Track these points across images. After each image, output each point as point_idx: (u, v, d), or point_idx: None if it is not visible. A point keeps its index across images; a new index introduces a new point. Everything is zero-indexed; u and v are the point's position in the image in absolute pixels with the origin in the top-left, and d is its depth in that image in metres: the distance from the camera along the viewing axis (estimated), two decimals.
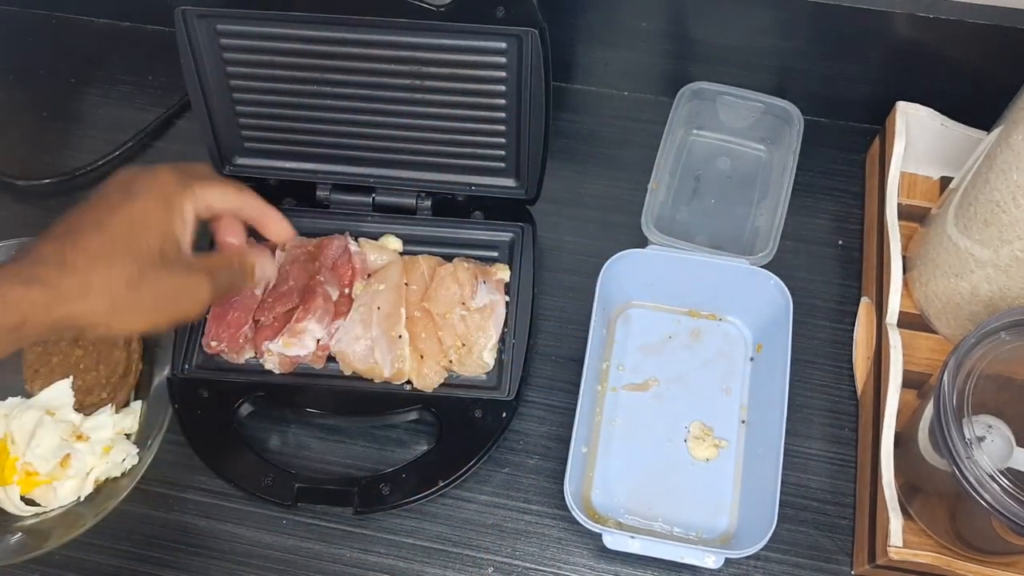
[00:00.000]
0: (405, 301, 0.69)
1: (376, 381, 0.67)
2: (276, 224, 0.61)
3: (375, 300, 0.69)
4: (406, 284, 0.70)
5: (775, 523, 0.59)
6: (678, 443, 0.68)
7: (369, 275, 0.71)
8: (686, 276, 0.70)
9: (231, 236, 0.60)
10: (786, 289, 0.67)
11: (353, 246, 0.71)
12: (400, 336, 0.68)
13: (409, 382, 0.68)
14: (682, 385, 0.70)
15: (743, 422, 0.68)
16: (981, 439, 0.54)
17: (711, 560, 0.62)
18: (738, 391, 0.69)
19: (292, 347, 0.67)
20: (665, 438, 0.68)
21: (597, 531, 0.62)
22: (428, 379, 0.67)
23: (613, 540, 0.62)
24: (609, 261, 0.69)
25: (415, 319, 0.68)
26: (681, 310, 0.73)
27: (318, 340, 0.68)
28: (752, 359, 0.71)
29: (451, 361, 0.67)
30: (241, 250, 0.60)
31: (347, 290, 0.70)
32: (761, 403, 0.68)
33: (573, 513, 0.61)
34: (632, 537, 0.62)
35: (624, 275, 0.70)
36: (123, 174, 0.55)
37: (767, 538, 0.59)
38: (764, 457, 0.64)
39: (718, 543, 0.64)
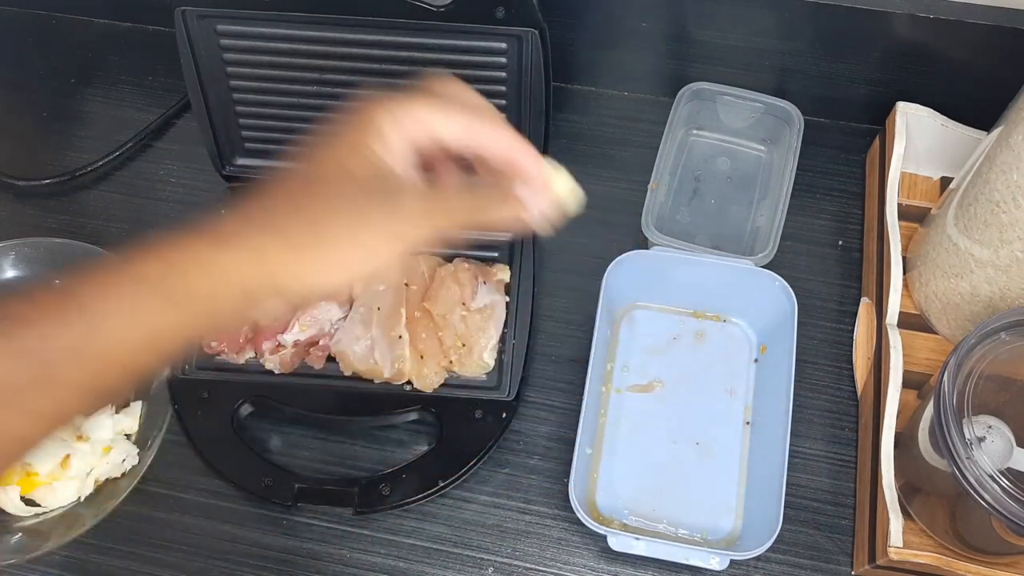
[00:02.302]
0: (405, 301, 0.69)
1: (376, 381, 0.67)
2: (523, 162, 0.47)
3: (375, 300, 0.69)
4: (406, 284, 0.70)
5: (780, 524, 0.59)
6: (682, 444, 0.68)
7: None
8: (690, 277, 0.70)
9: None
10: (791, 290, 0.67)
11: None
12: (400, 336, 0.68)
13: (409, 382, 0.68)
14: (686, 386, 0.70)
15: (747, 423, 0.68)
16: (981, 439, 0.54)
17: (716, 561, 0.62)
18: (742, 392, 0.69)
19: (308, 330, 0.67)
20: (669, 439, 0.68)
21: (602, 533, 0.62)
22: (428, 379, 0.67)
23: (618, 542, 0.62)
24: (614, 262, 0.69)
25: (415, 319, 0.68)
26: (685, 311, 0.73)
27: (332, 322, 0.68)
28: (756, 360, 0.71)
29: (451, 361, 0.67)
30: (500, 180, 0.47)
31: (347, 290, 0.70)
32: (765, 404, 0.68)
33: (578, 515, 0.61)
34: (637, 539, 0.62)
35: (629, 276, 0.70)
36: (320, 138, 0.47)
37: (772, 539, 0.59)
38: (768, 459, 0.64)
39: (723, 544, 0.64)
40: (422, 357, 0.67)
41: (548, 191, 0.48)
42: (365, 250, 0.44)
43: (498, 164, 0.47)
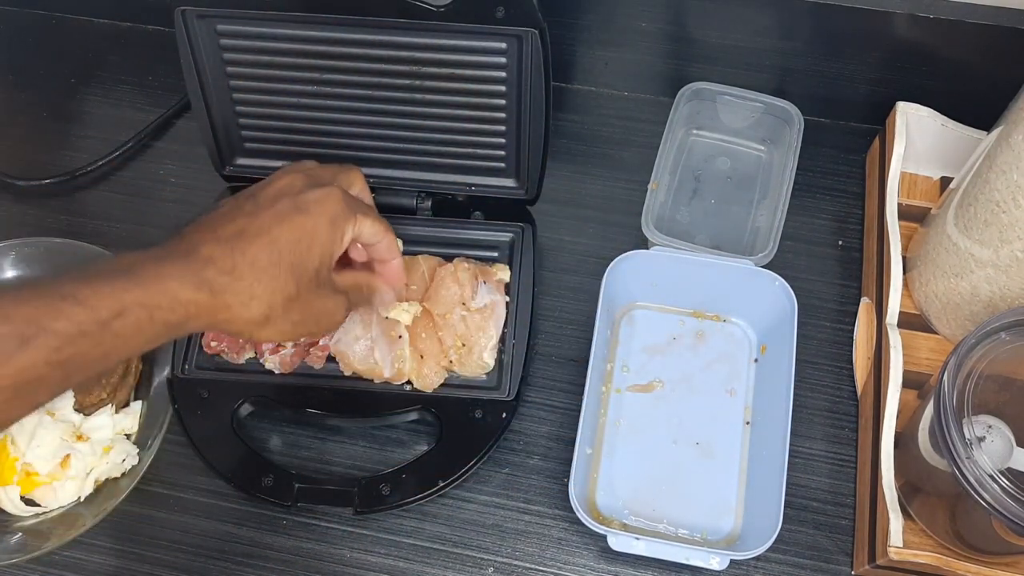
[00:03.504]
0: (405, 301, 0.69)
1: (376, 381, 0.67)
2: (395, 272, 0.62)
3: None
4: (406, 284, 0.70)
5: (780, 524, 0.59)
6: (682, 444, 0.68)
7: None
8: (691, 277, 0.70)
9: (356, 255, 0.62)
10: (791, 290, 0.67)
11: None
12: (400, 336, 0.68)
13: (409, 382, 0.68)
14: (686, 386, 0.70)
15: (747, 423, 0.68)
16: (981, 439, 0.54)
17: (716, 561, 0.62)
18: (742, 392, 0.69)
19: None
20: (669, 439, 0.68)
21: (602, 532, 0.62)
22: (428, 379, 0.67)
23: (618, 542, 0.62)
24: (614, 262, 0.69)
25: (415, 319, 0.68)
26: (685, 311, 0.73)
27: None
28: (756, 360, 0.71)
29: (451, 361, 0.67)
30: (368, 274, 0.62)
31: None
32: (765, 404, 0.68)
33: (578, 515, 0.61)
34: (637, 539, 0.62)
35: (629, 276, 0.70)
36: (291, 179, 0.56)
37: (773, 539, 0.59)
38: (769, 459, 0.64)
39: (723, 544, 0.64)
40: (422, 357, 0.67)
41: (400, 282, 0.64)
42: (289, 323, 0.54)
43: (377, 262, 0.62)
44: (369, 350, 0.67)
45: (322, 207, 0.54)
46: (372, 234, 0.58)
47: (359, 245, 0.60)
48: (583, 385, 0.65)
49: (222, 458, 0.65)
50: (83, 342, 0.45)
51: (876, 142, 0.77)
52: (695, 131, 0.80)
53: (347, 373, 0.68)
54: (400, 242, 0.73)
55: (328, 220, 0.54)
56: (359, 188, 0.60)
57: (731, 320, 0.72)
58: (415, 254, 0.72)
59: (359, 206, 0.57)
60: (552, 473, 0.68)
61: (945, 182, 0.75)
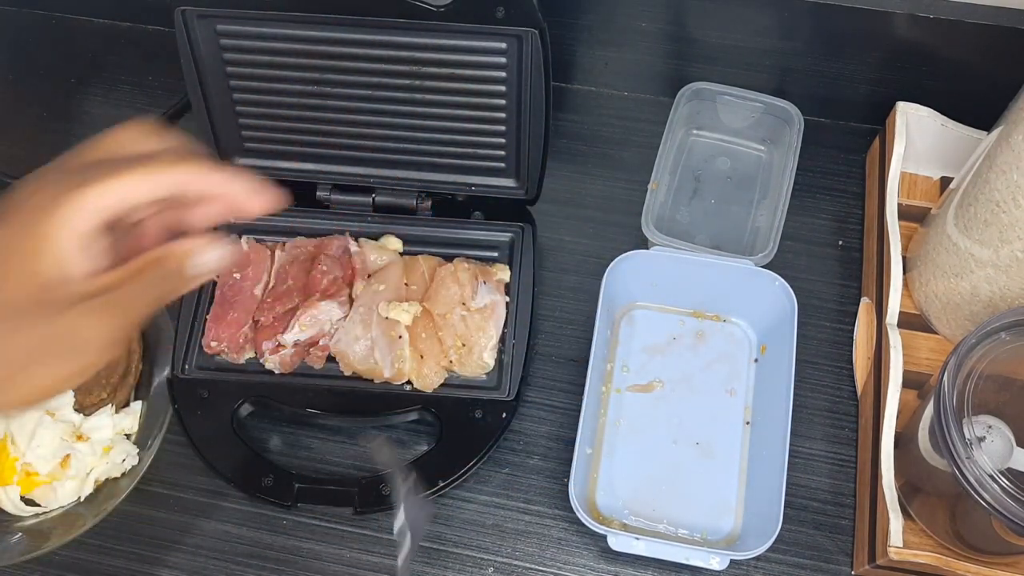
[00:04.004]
0: (405, 301, 0.69)
1: (376, 381, 0.67)
2: (248, 194, 0.44)
3: (375, 300, 0.69)
4: (406, 284, 0.70)
5: (780, 524, 0.59)
6: (682, 444, 0.68)
7: (369, 275, 0.71)
8: (690, 277, 0.70)
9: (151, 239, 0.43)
10: (791, 290, 0.67)
11: (353, 246, 0.71)
12: (400, 336, 0.68)
13: (409, 382, 0.68)
14: (686, 386, 0.70)
15: (747, 423, 0.68)
16: (981, 439, 0.54)
17: (716, 561, 0.62)
18: (742, 392, 0.69)
19: (308, 330, 0.67)
20: (669, 439, 0.68)
21: (602, 532, 0.62)
22: (428, 379, 0.67)
23: (618, 542, 0.62)
24: (614, 262, 0.69)
25: (415, 319, 0.68)
26: (685, 311, 0.73)
27: (333, 320, 0.68)
28: (756, 360, 0.71)
29: (451, 361, 0.67)
30: (159, 249, 0.42)
31: (349, 288, 0.70)
32: (765, 405, 0.68)
33: (578, 515, 0.61)
34: (637, 539, 0.62)
35: (629, 276, 0.70)
36: (26, 178, 0.40)
37: (773, 539, 0.59)
38: (769, 459, 0.64)
39: (723, 544, 0.64)
40: (422, 357, 0.67)
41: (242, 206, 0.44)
42: (14, 377, 0.38)
43: (214, 202, 0.43)
44: (369, 350, 0.67)
45: (17, 211, 0.38)
46: (143, 187, 0.39)
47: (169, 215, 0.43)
48: (583, 385, 0.65)
49: (222, 458, 0.65)
50: None
51: (876, 142, 0.77)
52: (695, 131, 0.80)
53: (347, 373, 0.68)
54: (398, 241, 0.73)
55: (30, 220, 0.38)
56: (110, 146, 0.42)
57: (731, 320, 0.72)
58: (415, 254, 0.72)
59: (90, 176, 0.39)
60: (552, 473, 0.68)
61: (945, 182, 0.75)
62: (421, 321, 0.68)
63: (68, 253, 0.38)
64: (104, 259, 0.39)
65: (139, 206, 0.40)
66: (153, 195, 0.40)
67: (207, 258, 0.42)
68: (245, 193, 0.43)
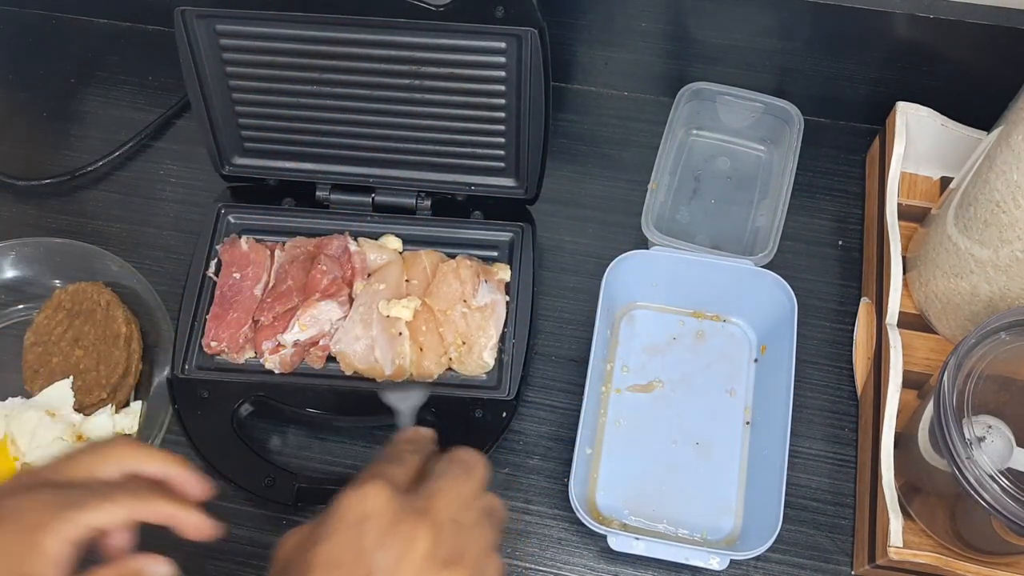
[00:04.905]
0: (406, 297, 0.69)
1: (378, 380, 0.67)
2: (195, 524, 0.52)
3: (375, 299, 0.69)
4: (407, 280, 0.70)
5: (780, 524, 0.59)
6: (682, 444, 0.68)
7: (369, 275, 0.71)
8: (690, 277, 0.70)
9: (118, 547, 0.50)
10: (791, 290, 0.67)
11: (352, 246, 0.71)
12: (400, 333, 0.68)
13: (410, 377, 0.67)
14: (686, 386, 0.70)
15: (747, 423, 0.68)
16: (981, 439, 0.54)
17: (716, 562, 0.62)
18: (742, 392, 0.69)
19: (308, 330, 0.67)
20: (669, 439, 0.68)
21: (602, 532, 0.62)
22: (428, 371, 0.67)
23: (618, 542, 0.62)
24: (614, 262, 0.69)
25: (416, 313, 0.68)
26: (685, 311, 0.73)
27: (333, 320, 0.68)
28: (756, 360, 0.71)
29: (451, 359, 0.67)
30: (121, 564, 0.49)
31: (349, 288, 0.70)
32: (765, 405, 0.68)
33: (578, 515, 0.61)
34: (637, 539, 0.62)
35: (628, 276, 0.70)
36: (5, 483, 0.46)
37: (772, 539, 0.59)
38: (768, 459, 0.64)
39: (723, 544, 0.64)
40: (422, 349, 0.67)
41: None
42: None
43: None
44: (369, 349, 0.67)
45: (9, 520, 0.44)
46: (116, 514, 0.47)
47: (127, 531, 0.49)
48: (583, 385, 0.65)
49: (222, 458, 0.65)
50: None
51: (876, 142, 0.77)
52: (695, 131, 0.80)
53: (347, 373, 0.68)
54: (398, 240, 0.73)
55: (15, 532, 0.43)
56: (123, 461, 0.49)
57: (731, 320, 0.72)
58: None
59: (76, 500, 0.45)
60: (552, 473, 0.68)
61: (945, 182, 0.75)
62: (422, 315, 0.68)
63: (56, 560, 0.44)
64: (73, 563, 0.46)
65: (117, 526, 0.48)
66: (132, 520, 0.48)
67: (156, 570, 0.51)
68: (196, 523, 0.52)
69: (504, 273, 0.71)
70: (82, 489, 0.47)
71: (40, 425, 0.65)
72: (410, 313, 0.68)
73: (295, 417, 0.69)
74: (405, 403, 0.61)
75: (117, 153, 0.81)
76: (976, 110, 0.70)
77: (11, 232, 0.75)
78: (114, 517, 0.47)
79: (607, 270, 0.68)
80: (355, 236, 0.72)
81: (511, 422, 0.66)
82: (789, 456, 0.62)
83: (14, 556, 0.43)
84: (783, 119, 0.77)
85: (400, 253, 0.72)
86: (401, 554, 0.43)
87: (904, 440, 0.61)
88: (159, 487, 0.51)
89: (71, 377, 0.68)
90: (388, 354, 0.67)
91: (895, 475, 0.61)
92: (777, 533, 0.59)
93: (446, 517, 0.45)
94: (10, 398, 0.69)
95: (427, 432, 0.54)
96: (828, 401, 0.70)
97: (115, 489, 0.48)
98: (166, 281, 0.73)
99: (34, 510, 0.45)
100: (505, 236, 0.73)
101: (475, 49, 0.65)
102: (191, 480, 0.53)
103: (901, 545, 0.58)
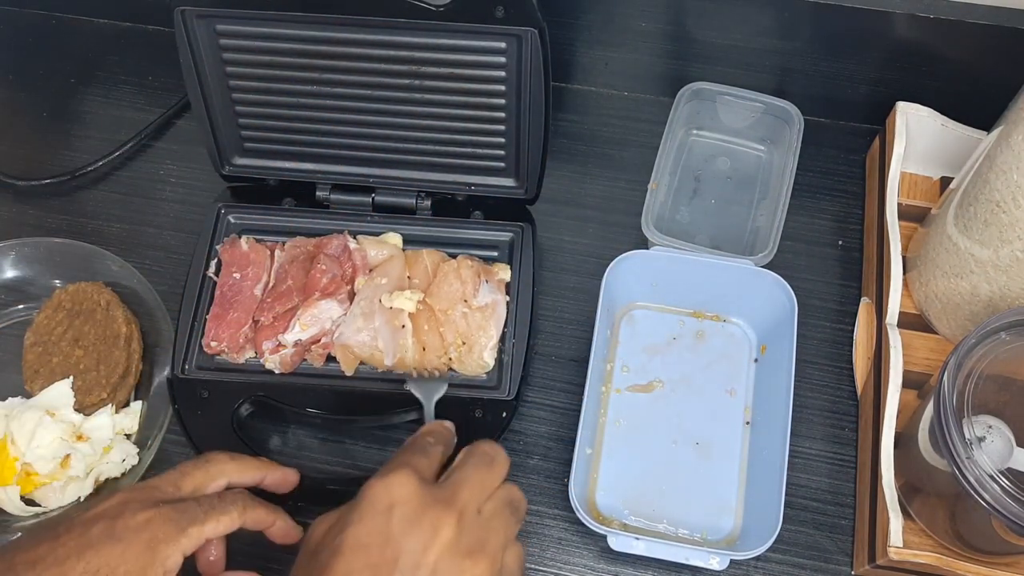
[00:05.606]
0: (408, 290, 0.69)
1: (378, 370, 0.67)
2: (283, 529, 0.58)
3: (377, 294, 0.69)
4: (408, 278, 0.70)
5: (780, 524, 0.59)
6: (682, 444, 0.68)
7: (371, 271, 0.71)
8: (690, 277, 0.70)
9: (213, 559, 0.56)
10: (791, 290, 0.67)
11: (352, 243, 0.71)
12: (403, 326, 0.68)
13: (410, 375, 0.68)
14: (686, 386, 0.70)
15: (747, 423, 0.68)
16: (981, 439, 0.54)
17: (716, 561, 0.62)
18: (742, 392, 0.69)
19: (308, 329, 0.67)
20: (669, 439, 0.68)
21: (602, 532, 0.62)
22: (430, 365, 0.67)
23: (618, 542, 0.62)
24: (614, 262, 0.69)
25: (418, 312, 0.68)
26: (685, 311, 0.73)
27: (333, 319, 0.68)
28: (756, 360, 0.71)
29: (451, 359, 0.67)
30: None
31: (349, 286, 0.70)
32: (765, 405, 0.68)
33: (578, 515, 0.61)
34: (637, 539, 0.62)
35: (628, 276, 0.70)
36: (122, 497, 0.51)
37: (772, 539, 0.59)
38: (768, 459, 0.64)
39: (723, 544, 0.64)
40: (424, 349, 0.67)
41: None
42: None
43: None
44: (372, 339, 0.67)
45: (139, 533, 0.49)
46: (223, 526, 0.53)
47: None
48: (583, 385, 0.65)
49: None
50: None
51: (876, 142, 0.77)
52: (695, 131, 0.80)
53: (348, 373, 0.68)
54: (398, 236, 0.73)
55: (144, 546, 0.48)
56: (229, 476, 0.56)
57: (731, 320, 0.72)
58: None
59: (192, 517, 0.51)
60: (552, 473, 0.68)
61: (945, 182, 0.75)
62: (424, 314, 0.68)
63: (173, 572, 0.50)
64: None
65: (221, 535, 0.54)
66: (234, 528, 0.54)
67: None
68: (281, 528, 0.57)
69: (504, 273, 0.71)
70: (195, 504, 0.52)
71: (40, 425, 0.65)
72: (413, 305, 0.68)
73: (295, 417, 0.69)
74: (429, 397, 0.64)
75: (117, 153, 0.81)
76: (976, 110, 0.70)
77: (11, 232, 0.75)
78: (225, 528, 0.53)
79: (607, 270, 0.69)
80: (355, 236, 0.72)
81: (511, 422, 0.66)
82: (789, 456, 0.62)
83: (140, 568, 0.48)
84: (783, 119, 0.77)
85: (401, 249, 0.72)
86: (427, 542, 0.45)
87: (904, 440, 0.61)
88: (252, 494, 0.56)
89: (71, 377, 0.68)
90: (391, 345, 0.67)
91: (895, 475, 0.61)
92: (777, 533, 0.59)
93: (470, 507, 0.47)
94: (10, 398, 0.69)
95: (449, 425, 0.57)
96: (828, 401, 0.70)
97: (225, 503, 0.53)
98: (166, 281, 0.73)
99: (161, 526, 0.49)
100: (505, 236, 0.73)
101: (475, 49, 0.65)
102: (285, 477, 0.59)
103: (901, 545, 0.58)
